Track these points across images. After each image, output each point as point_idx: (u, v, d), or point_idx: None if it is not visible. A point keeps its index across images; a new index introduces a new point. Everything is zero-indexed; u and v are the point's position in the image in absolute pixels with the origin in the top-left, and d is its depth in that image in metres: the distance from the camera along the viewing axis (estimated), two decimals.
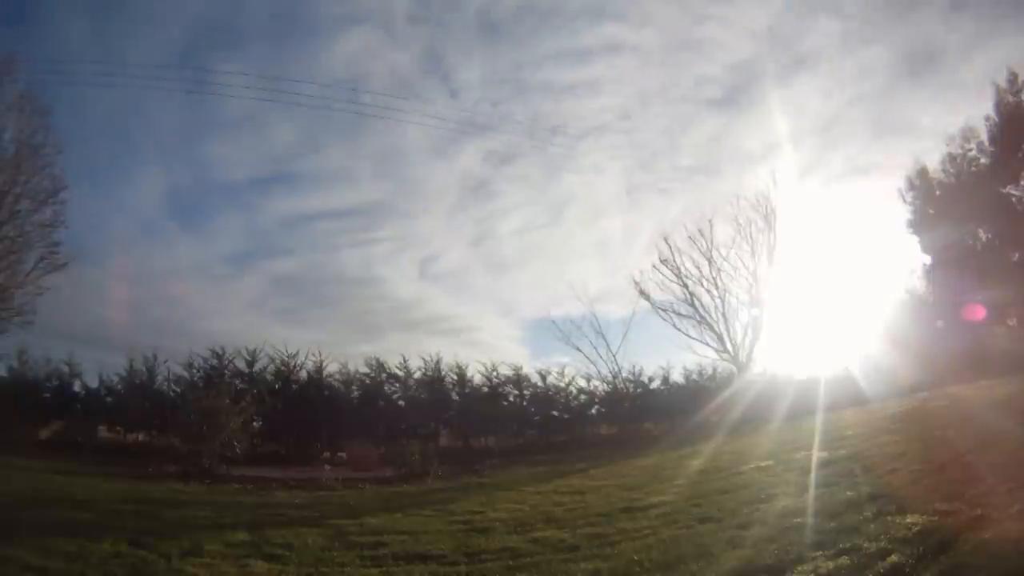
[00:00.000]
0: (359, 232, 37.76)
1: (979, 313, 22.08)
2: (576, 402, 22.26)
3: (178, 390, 18.09)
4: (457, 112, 34.46)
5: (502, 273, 36.99)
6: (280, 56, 31.95)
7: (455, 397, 20.92)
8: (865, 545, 4.87)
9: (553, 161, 33.91)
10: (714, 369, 23.36)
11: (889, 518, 5.44)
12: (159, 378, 18.73)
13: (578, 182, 35.93)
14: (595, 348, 22.61)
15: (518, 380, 21.47)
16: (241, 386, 17.80)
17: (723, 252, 23.12)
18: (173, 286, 27.89)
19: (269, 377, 19.13)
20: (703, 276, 23.06)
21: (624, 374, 22.55)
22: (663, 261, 23.35)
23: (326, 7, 32.52)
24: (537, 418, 21.69)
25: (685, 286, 23.14)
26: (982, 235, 23.99)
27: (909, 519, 5.30)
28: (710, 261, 23.05)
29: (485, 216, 37.16)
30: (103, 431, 18.17)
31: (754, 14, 32.82)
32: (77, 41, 27.53)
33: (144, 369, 18.63)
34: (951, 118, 30.91)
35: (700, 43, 33.98)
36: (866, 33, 32.94)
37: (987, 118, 23.37)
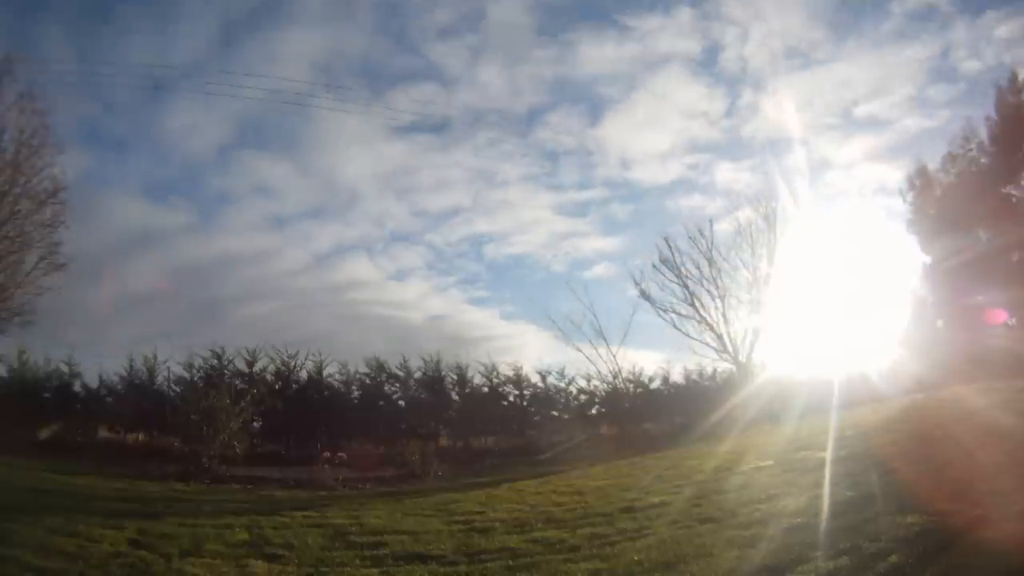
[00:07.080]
0: None
1: (979, 314, 22.07)
2: (576, 402, 22.28)
3: (178, 390, 18.10)
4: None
5: None
6: None
7: (455, 397, 20.91)
8: (865, 545, 4.87)
9: None
10: (714, 369, 23.39)
11: (889, 518, 5.44)
12: (159, 378, 18.77)
13: None
14: (595, 348, 22.63)
15: (518, 380, 21.46)
16: (241, 386, 17.79)
17: (723, 252, 23.13)
18: None
19: (269, 377, 19.11)
20: (703, 276, 23.06)
21: (624, 374, 22.59)
22: (663, 261, 23.34)
23: None
24: (537, 418, 21.70)
25: (685, 286, 23.14)
26: (982, 235, 23.92)
27: (909, 519, 5.30)
28: (710, 261, 23.04)
29: None
30: (103, 431, 18.16)
31: None
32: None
33: (144, 369, 18.67)
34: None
35: None
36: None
37: (987, 118, 23.30)
